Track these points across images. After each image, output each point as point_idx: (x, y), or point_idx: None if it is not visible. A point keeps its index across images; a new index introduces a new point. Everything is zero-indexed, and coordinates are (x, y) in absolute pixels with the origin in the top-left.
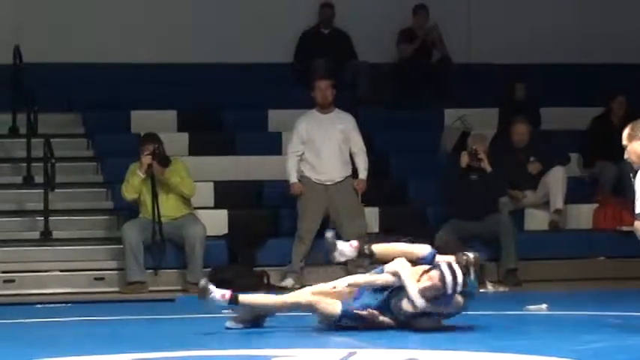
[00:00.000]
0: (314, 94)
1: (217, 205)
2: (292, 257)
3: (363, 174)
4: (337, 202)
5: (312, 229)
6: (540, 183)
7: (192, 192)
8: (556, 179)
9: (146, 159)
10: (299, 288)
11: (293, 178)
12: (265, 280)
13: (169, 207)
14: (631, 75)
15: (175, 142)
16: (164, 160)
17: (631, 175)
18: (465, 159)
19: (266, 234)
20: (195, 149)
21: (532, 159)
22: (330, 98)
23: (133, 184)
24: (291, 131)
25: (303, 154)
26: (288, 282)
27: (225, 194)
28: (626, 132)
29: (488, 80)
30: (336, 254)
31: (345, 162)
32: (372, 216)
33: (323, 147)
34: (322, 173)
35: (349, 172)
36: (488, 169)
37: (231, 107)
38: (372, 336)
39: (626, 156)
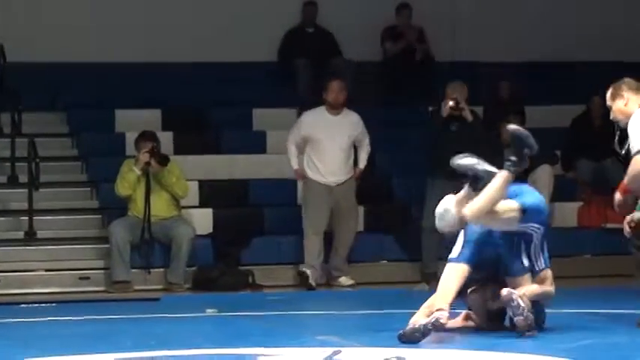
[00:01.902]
0: (325, 94)
1: (202, 204)
2: (305, 257)
3: (362, 164)
4: (339, 201)
5: (320, 229)
6: (528, 181)
7: (185, 193)
8: (542, 178)
9: (144, 156)
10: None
11: (295, 164)
12: (250, 280)
13: (160, 207)
14: (613, 72)
15: (160, 141)
16: (163, 159)
17: (617, 133)
18: (446, 109)
19: (251, 233)
20: (179, 148)
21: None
22: (342, 99)
23: (129, 181)
24: (276, 129)
25: (305, 151)
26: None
27: (210, 193)
28: (608, 93)
29: (472, 79)
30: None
31: (349, 162)
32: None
33: (327, 147)
34: (327, 174)
35: (352, 171)
36: (469, 118)
37: (215, 106)
38: (357, 334)
39: (612, 116)
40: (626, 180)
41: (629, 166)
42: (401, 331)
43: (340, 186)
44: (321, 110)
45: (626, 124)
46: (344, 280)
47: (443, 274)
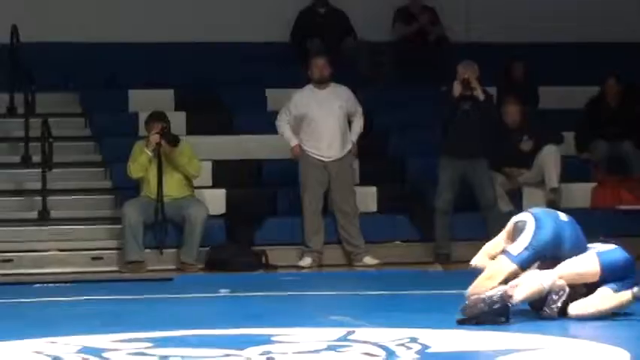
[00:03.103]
0: (310, 71)
1: (215, 185)
2: (305, 236)
3: (353, 137)
4: (335, 179)
5: (316, 206)
6: (535, 162)
7: (199, 172)
8: (549, 158)
9: (155, 137)
10: (317, 267)
11: (293, 141)
12: (264, 260)
13: (173, 187)
14: (628, 53)
15: (173, 121)
16: (174, 140)
17: None
18: (457, 88)
19: (264, 213)
20: (192, 128)
21: (525, 138)
22: (327, 74)
23: (141, 163)
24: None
25: (300, 130)
26: (306, 261)
27: (223, 174)
28: None
29: (486, 59)
30: None
31: (345, 138)
32: (369, 195)
33: (320, 123)
34: (322, 150)
35: (349, 147)
36: (481, 96)
37: (229, 86)
38: (370, 314)
39: None
40: None
41: None
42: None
43: (336, 163)
44: (309, 88)
45: None
46: (368, 259)
47: (495, 263)
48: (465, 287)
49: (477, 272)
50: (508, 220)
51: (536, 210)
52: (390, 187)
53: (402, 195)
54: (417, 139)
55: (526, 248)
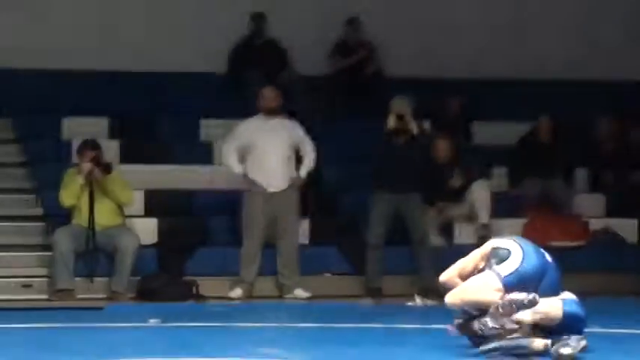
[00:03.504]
0: (258, 101)
1: (147, 214)
2: (241, 266)
3: (303, 171)
4: (279, 211)
5: (258, 238)
6: (465, 197)
7: (130, 201)
8: (480, 193)
9: (87, 165)
10: (247, 298)
11: (239, 169)
12: (194, 290)
13: (104, 216)
14: (562, 91)
15: (106, 149)
16: (106, 168)
17: None
18: (391, 120)
19: (196, 243)
20: (126, 157)
21: (455, 173)
22: (275, 105)
23: (73, 190)
24: (224, 140)
25: (246, 160)
26: (237, 292)
27: (156, 203)
28: None
29: (421, 94)
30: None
31: (290, 168)
32: (302, 227)
33: (267, 153)
34: (267, 180)
35: (293, 179)
36: (415, 130)
37: (163, 116)
38: (300, 347)
39: None
40: None
41: None
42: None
43: (281, 194)
44: (258, 117)
45: None
46: (299, 292)
47: (483, 277)
48: (397, 322)
49: (445, 288)
50: (439, 254)
51: (524, 242)
52: (322, 219)
53: (334, 227)
54: (351, 172)
55: (512, 273)
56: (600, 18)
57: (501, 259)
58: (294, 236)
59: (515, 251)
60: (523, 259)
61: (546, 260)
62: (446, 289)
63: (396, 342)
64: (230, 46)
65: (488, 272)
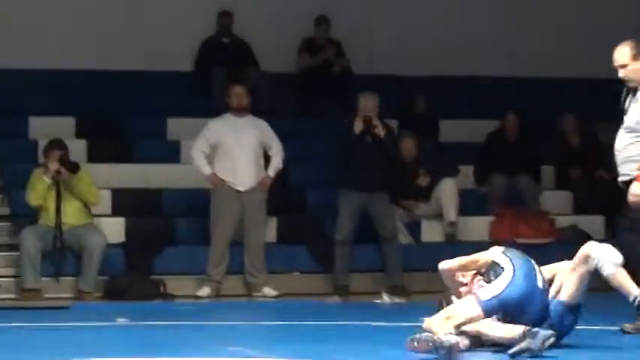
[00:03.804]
0: (228, 99)
1: (115, 213)
2: (208, 266)
3: (271, 171)
4: (247, 209)
5: (227, 237)
6: (432, 195)
7: (97, 200)
8: (446, 191)
9: (53, 165)
10: (215, 297)
11: (208, 170)
12: (162, 289)
13: (71, 215)
14: (530, 88)
15: (73, 148)
16: (73, 167)
17: (622, 96)
18: (358, 125)
19: (163, 242)
20: (93, 156)
21: (421, 172)
22: (245, 103)
23: (40, 190)
24: (191, 139)
25: (214, 159)
26: (205, 291)
27: (123, 202)
28: (626, 52)
29: (389, 92)
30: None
31: (259, 167)
32: (270, 225)
33: (236, 151)
34: (236, 179)
35: (262, 178)
36: (382, 134)
37: (130, 115)
38: (267, 345)
39: (623, 74)
40: None
41: None
42: (417, 336)
43: (250, 193)
44: (227, 116)
45: (637, 86)
46: (267, 290)
47: (462, 304)
48: (363, 319)
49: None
50: (402, 252)
51: (519, 263)
52: (290, 217)
53: (302, 226)
54: (318, 170)
55: (495, 297)
56: (568, 16)
57: (496, 276)
58: (261, 235)
59: (506, 273)
60: (510, 283)
61: (535, 285)
62: (444, 278)
63: (363, 339)
64: (197, 44)
65: (468, 299)
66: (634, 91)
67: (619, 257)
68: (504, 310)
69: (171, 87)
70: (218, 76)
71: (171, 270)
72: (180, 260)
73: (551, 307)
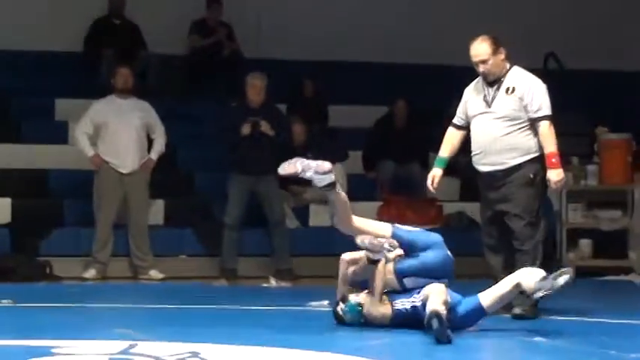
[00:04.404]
0: (114, 80)
1: (0, 194)
2: (94, 247)
3: (154, 154)
4: (130, 191)
5: (111, 219)
6: None
7: None
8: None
9: None
10: (101, 279)
11: (91, 151)
12: (47, 270)
13: None
14: (419, 75)
15: None
16: None
17: (485, 90)
18: (246, 129)
19: (50, 224)
20: None
21: (309, 156)
22: (130, 84)
23: None
24: (77, 120)
25: (98, 140)
26: (91, 273)
27: (9, 183)
28: (485, 47)
29: (277, 76)
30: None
31: (143, 150)
32: (157, 207)
33: (119, 132)
34: (119, 160)
35: (145, 160)
36: (271, 133)
37: (17, 95)
38: (154, 327)
39: (485, 69)
40: (552, 147)
41: (543, 131)
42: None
43: (132, 175)
44: (111, 97)
45: (497, 78)
46: (154, 273)
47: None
48: (252, 303)
49: None
50: (290, 237)
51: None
52: (178, 200)
53: (190, 208)
54: (206, 153)
55: (402, 230)
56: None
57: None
58: (143, 217)
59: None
60: (411, 230)
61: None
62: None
63: (250, 323)
64: (87, 24)
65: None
66: (496, 82)
67: (539, 276)
68: (411, 245)
69: (60, 67)
70: (108, 57)
71: (58, 251)
72: (67, 242)
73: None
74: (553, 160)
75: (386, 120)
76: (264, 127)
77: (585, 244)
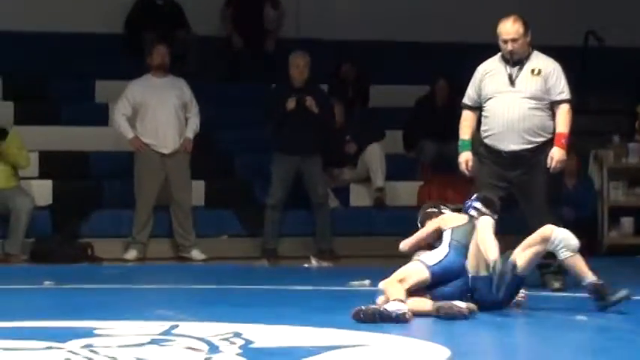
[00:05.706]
0: (150, 58)
1: (42, 176)
2: (134, 229)
3: (190, 133)
4: (172, 172)
5: (151, 200)
6: (359, 160)
7: (28, 163)
8: (373, 157)
9: None
10: (142, 260)
11: (130, 134)
12: (89, 252)
13: None
14: (458, 54)
15: (0, 110)
16: (2, 132)
17: (508, 69)
18: (291, 103)
19: (91, 205)
20: (20, 118)
21: (348, 138)
22: (167, 62)
23: None
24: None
25: (137, 121)
26: (132, 254)
27: (50, 165)
28: (518, 26)
29: (317, 57)
30: None
31: (182, 129)
32: (198, 189)
33: (157, 112)
34: (159, 141)
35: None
36: (315, 110)
37: (57, 77)
38: (195, 308)
39: (513, 48)
40: (566, 129)
41: (562, 112)
42: (362, 307)
43: (173, 156)
44: (147, 77)
45: (520, 59)
46: (196, 254)
47: (408, 266)
48: (292, 284)
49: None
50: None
51: (456, 237)
52: (218, 181)
53: (230, 190)
54: (247, 135)
55: (437, 263)
56: None
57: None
58: (187, 197)
59: (444, 243)
60: (448, 253)
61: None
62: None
63: (289, 303)
64: (128, 6)
65: (415, 262)
66: (519, 62)
67: (576, 243)
68: (446, 276)
69: (102, 50)
70: (150, 38)
71: (98, 233)
72: (107, 223)
73: (476, 283)
74: (563, 140)
75: (427, 99)
76: (309, 102)
77: (627, 222)
